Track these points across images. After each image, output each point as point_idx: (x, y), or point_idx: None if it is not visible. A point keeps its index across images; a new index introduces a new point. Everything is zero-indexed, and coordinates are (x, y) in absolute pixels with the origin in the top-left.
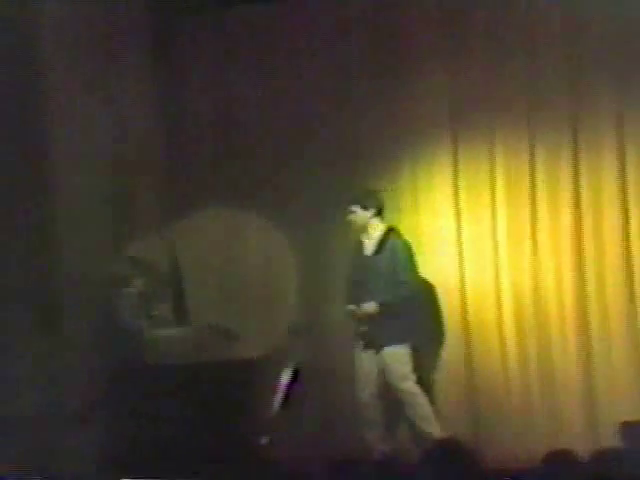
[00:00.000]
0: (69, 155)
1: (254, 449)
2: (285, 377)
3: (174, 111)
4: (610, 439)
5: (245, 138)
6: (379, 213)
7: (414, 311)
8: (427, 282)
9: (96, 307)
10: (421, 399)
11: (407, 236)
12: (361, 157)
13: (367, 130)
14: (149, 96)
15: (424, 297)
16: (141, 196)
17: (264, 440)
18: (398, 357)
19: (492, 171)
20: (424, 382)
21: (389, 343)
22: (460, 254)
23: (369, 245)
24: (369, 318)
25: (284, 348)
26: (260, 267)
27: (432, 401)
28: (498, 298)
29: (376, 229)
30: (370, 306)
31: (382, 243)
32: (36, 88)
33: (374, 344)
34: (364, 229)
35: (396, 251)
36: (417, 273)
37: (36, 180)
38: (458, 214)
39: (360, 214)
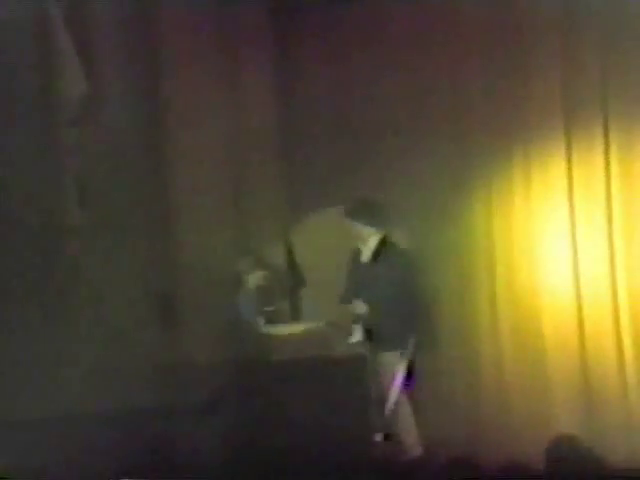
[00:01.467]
0: (190, 153)
1: (368, 447)
2: (399, 373)
3: (295, 110)
4: None
5: (364, 138)
6: (375, 223)
7: (410, 319)
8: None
9: (214, 302)
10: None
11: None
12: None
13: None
14: (271, 94)
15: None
16: (261, 193)
17: (378, 437)
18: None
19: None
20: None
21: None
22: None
23: (366, 253)
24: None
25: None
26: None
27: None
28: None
29: (372, 238)
30: (359, 307)
31: (378, 252)
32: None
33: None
34: (361, 238)
35: (393, 260)
36: (414, 282)
37: (157, 178)
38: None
39: (356, 226)
